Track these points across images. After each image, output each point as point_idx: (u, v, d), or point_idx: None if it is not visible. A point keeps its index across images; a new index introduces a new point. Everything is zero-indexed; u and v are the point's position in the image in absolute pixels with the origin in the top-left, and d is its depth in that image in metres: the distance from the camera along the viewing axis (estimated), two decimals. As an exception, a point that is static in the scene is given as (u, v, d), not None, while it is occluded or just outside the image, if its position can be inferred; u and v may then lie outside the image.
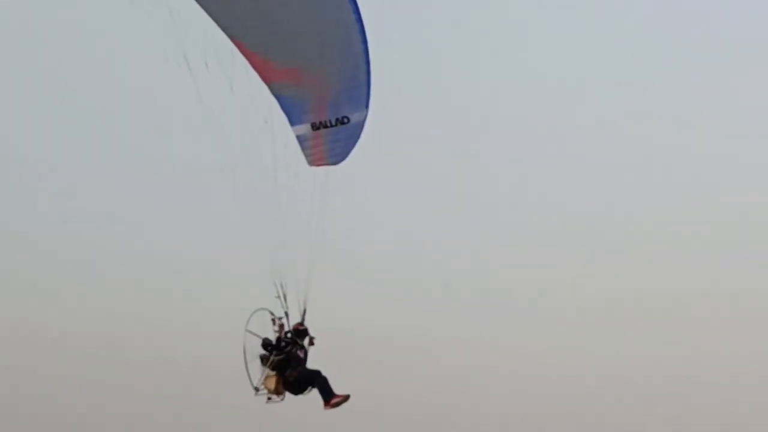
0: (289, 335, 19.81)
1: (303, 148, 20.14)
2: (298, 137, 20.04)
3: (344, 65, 19.62)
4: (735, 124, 42.29)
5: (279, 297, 19.64)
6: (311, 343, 20.05)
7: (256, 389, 19.77)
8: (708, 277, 38.85)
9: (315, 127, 19.96)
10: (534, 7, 43.20)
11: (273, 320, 19.83)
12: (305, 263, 19.38)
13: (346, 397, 19.69)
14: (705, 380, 37.00)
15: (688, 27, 43.34)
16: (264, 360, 19.74)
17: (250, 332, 19.83)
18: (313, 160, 20.25)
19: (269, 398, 19.85)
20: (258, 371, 19.89)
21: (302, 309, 19.91)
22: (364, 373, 33.78)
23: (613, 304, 38.34)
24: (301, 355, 19.95)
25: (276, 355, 19.65)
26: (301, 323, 19.82)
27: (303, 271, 19.46)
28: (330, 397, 19.65)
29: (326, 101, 19.94)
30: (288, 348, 19.74)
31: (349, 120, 19.96)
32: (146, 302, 36.15)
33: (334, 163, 20.25)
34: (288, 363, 19.75)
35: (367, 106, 19.96)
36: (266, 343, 19.86)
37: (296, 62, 19.55)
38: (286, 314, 19.92)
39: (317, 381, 19.75)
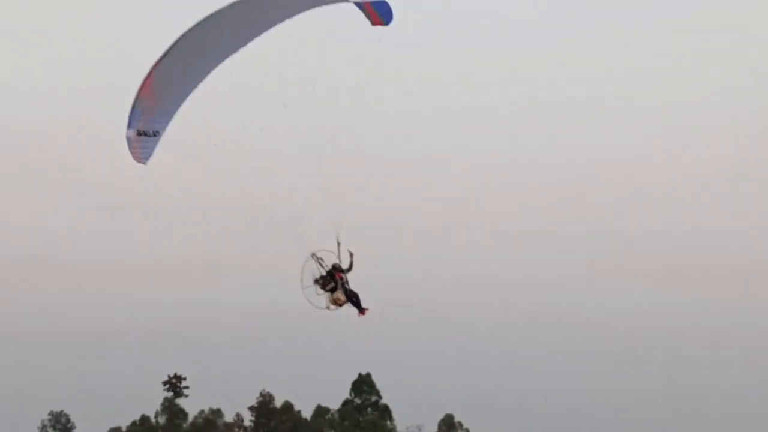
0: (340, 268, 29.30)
1: (129, 147, 27.54)
2: (128, 138, 27.43)
3: (178, 95, 27.43)
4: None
5: (339, 243, 29.04)
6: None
7: (328, 307, 29.33)
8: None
9: (139, 133, 27.51)
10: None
11: (319, 261, 29.14)
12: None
13: (368, 309, 29.73)
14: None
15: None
16: (334, 286, 29.11)
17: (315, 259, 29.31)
18: (135, 158, 27.61)
19: (328, 308, 29.27)
20: (314, 294, 29.24)
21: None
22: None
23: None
24: None
25: (345, 282, 29.25)
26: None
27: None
28: (362, 309, 29.56)
29: (151, 116, 27.36)
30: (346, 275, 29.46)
31: (159, 134, 27.58)
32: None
33: (144, 163, 27.71)
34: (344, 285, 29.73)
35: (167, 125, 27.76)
36: (331, 271, 29.32)
37: (159, 85, 27.19)
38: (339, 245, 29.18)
39: (357, 298, 29.72)
